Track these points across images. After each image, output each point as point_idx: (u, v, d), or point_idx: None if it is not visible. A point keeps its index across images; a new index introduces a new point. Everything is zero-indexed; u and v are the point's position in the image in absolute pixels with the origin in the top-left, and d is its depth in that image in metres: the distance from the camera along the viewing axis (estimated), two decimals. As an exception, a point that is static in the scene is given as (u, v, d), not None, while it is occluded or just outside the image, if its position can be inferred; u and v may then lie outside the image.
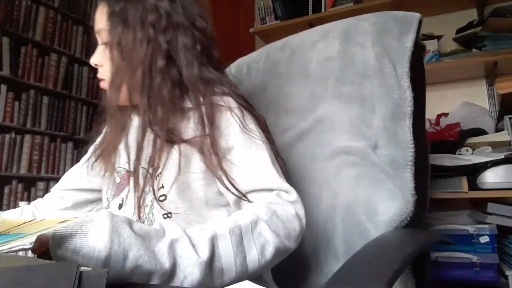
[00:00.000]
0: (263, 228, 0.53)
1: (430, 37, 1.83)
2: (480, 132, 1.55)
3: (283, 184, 0.59)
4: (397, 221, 0.66)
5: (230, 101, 0.67)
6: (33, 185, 2.29)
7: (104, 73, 0.71)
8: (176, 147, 0.64)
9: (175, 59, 0.67)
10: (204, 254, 0.47)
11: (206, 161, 0.62)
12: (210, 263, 0.48)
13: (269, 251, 0.52)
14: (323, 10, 2.06)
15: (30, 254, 0.67)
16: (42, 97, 2.34)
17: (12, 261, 0.41)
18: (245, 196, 0.61)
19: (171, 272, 0.45)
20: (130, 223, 0.45)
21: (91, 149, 0.80)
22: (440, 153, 1.46)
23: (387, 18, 0.82)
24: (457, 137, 1.52)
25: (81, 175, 0.81)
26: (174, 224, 0.49)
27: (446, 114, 1.77)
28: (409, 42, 0.77)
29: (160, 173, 0.64)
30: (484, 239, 1.38)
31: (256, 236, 0.52)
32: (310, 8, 2.10)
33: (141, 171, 0.66)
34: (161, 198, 0.62)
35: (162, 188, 0.63)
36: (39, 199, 0.85)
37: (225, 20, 2.30)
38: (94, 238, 0.42)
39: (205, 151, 0.62)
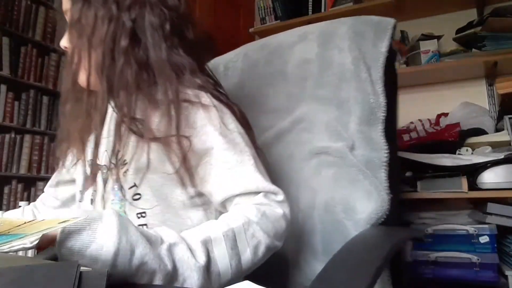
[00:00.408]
0: (255, 229, 0.54)
1: (430, 37, 1.82)
2: (480, 132, 1.55)
3: (270, 186, 0.59)
4: (374, 219, 0.68)
5: (204, 96, 0.63)
6: (33, 185, 2.29)
7: None
8: (147, 142, 0.60)
9: (141, 40, 0.62)
10: (201, 259, 0.48)
11: (175, 165, 0.58)
12: (208, 268, 0.48)
13: (261, 251, 0.54)
14: (323, 10, 2.06)
15: (30, 254, 0.67)
16: (42, 97, 2.34)
17: (12, 261, 0.41)
18: (225, 202, 0.60)
19: (173, 274, 0.45)
20: (132, 223, 0.46)
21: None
22: (440, 153, 1.46)
23: (364, 22, 0.84)
24: (457, 137, 1.52)
25: (64, 167, 0.78)
26: (169, 230, 0.50)
27: (446, 114, 1.77)
28: (384, 47, 0.79)
29: (128, 169, 0.61)
30: (484, 239, 1.38)
31: (250, 237, 0.53)
32: (310, 8, 2.10)
33: (106, 164, 0.63)
34: (135, 197, 0.60)
35: (134, 187, 0.61)
36: (37, 200, 0.84)
37: (225, 20, 2.30)
38: (103, 234, 0.42)
39: (175, 153, 0.58)
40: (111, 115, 0.65)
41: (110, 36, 0.61)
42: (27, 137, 2.26)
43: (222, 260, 0.50)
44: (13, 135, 2.18)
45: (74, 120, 0.69)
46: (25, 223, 0.42)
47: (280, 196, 0.60)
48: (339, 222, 0.71)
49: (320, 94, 0.82)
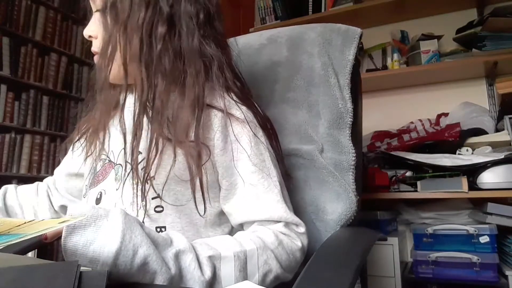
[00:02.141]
0: (270, 256, 0.53)
1: (430, 37, 1.82)
2: (480, 132, 1.55)
3: (293, 217, 0.59)
4: (343, 220, 0.71)
5: (235, 107, 0.61)
6: (33, 185, 2.29)
7: (99, 45, 0.63)
8: (177, 148, 0.56)
9: (175, 27, 0.60)
10: (207, 274, 0.47)
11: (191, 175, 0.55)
12: (211, 285, 0.48)
13: (270, 279, 0.53)
14: (323, 10, 2.06)
15: (30, 254, 0.66)
16: (42, 97, 2.34)
17: (12, 261, 0.41)
18: (243, 224, 0.60)
19: (177, 280, 0.45)
20: (140, 224, 0.46)
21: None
22: (440, 153, 1.46)
23: (332, 30, 0.86)
24: (457, 137, 1.52)
25: (69, 157, 0.76)
26: (181, 236, 0.49)
27: (446, 114, 1.77)
28: (351, 55, 0.81)
29: (153, 177, 0.57)
30: (484, 239, 1.38)
31: (262, 263, 0.52)
32: (310, 8, 2.10)
33: (124, 165, 0.60)
34: (157, 209, 0.57)
35: (158, 198, 0.57)
36: (49, 182, 0.82)
37: (225, 20, 2.30)
38: (107, 232, 0.42)
39: (193, 161, 0.55)
40: (134, 110, 0.61)
41: (147, 22, 0.58)
42: (27, 137, 2.25)
43: (227, 281, 0.49)
44: (13, 135, 2.17)
45: (95, 114, 0.66)
46: (25, 223, 0.41)
47: (302, 228, 0.59)
48: (310, 223, 0.73)
49: (290, 97, 0.84)
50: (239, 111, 0.61)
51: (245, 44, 0.94)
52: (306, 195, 0.76)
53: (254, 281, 0.51)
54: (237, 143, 0.59)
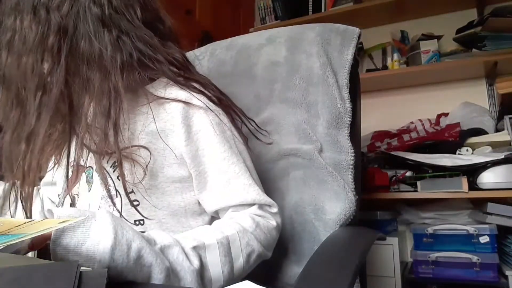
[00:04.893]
0: (250, 237, 0.55)
1: (430, 37, 1.82)
2: (480, 132, 1.55)
3: (266, 199, 0.60)
4: (342, 219, 0.71)
5: (195, 96, 0.60)
6: (33, 185, 2.29)
7: None
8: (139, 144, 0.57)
9: (75, 33, 0.55)
10: (195, 263, 0.48)
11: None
12: (201, 273, 0.49)
13: (253, 258, 0.56)
14: (323, 10, 2.06)
15: (30, 254, 0.66)
16: (42, 97, 2.33)
17: (12, 261, 0.41)
18: (218, 210, 0.61)
19: (171, 271, 0.46)
20: (126, 222, 0.47)
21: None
22: (440, 153, 1.46)
23: (331, 30, 0.86)
24: (457, 137, 1.52)
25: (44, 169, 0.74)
26: (163, 233, 0.50)
27: (446, 114, 1.77)
28: (349, 55, 0.81)
29: (123, 174, 0.57)
30: (484, 239, 1.38)
31: (244, 245, 0.54)
32: (310, 8, 2.10)
33: (92, 166, 0.60)
34: (134, 203, 0.58)
35: (132, 193, 0.58)
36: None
37: (225, 20, 2.30)
38: (98, 231, 0.42)
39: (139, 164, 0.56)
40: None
41: (39, 39, 0.54)
42: (27, 137, 2.25)
43: (215, 267, 0.51)
44: (13, 135, 2.17)
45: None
46: (25, 223, 0.41)
47: (274, 209, 0.62)
48: (309, 223, 0.73)
49: (289, 97, 0.84)
50: (199, 100, 0.60)
51: (245, 44, 0.94)
52: (305, 194, 0.76)
53: (239, 263, 0.54)
54: (201, 132, 0.59)
